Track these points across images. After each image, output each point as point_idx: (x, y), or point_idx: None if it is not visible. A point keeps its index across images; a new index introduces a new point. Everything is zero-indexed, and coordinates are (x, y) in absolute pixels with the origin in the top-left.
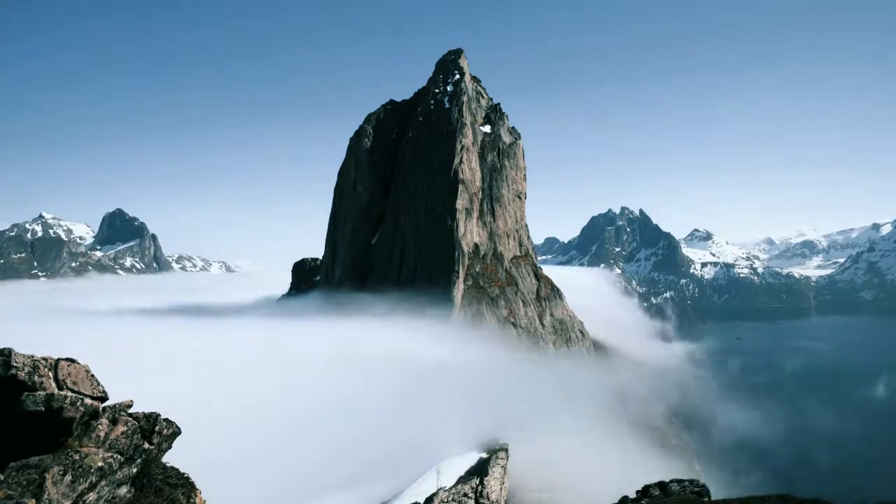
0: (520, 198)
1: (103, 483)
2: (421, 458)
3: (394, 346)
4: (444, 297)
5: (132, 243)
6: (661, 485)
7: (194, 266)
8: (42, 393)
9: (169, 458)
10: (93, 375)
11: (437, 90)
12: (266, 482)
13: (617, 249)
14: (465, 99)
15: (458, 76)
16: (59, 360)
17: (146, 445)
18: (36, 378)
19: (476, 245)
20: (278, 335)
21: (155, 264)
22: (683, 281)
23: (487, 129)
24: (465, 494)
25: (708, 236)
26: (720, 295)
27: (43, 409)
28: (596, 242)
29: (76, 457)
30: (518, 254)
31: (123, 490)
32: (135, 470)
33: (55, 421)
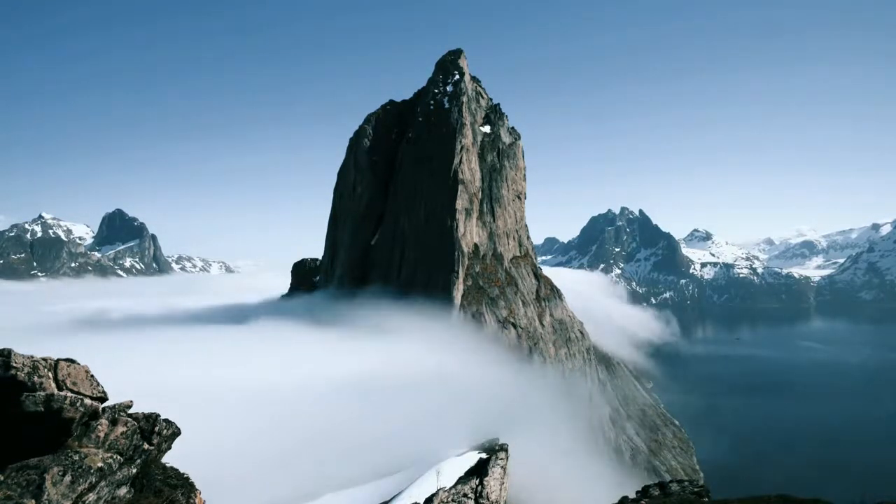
0: (519, 198)
1: (103, 484)
2: (421, 458)
3: (393, 347)
4: (443, 298)
5: (132, 244)
6: (661, 485)
7: (194, 266)
8: (42, 393)
9: (168, 459)
10: (92, 376)
11: (436, 90)
12: (265, 482)
13: (617, 250)
14: (464, 99)
15: (457, 76)
16: (58, 360)
17: (146, 446)
18: (35, 378)
19: (476, 245)
20: (276, 336)
21: (155, 265)
22: (683, 281)
23: (487, 129)
24: (465, 495)
25: (708, 236)
26: (720, 295)
27: (42, 409)
28: (596, 243)
29: (76, 457)
30: (518, 254)
31: (123, 491)
32: (134, 470)
33: (55, 421)
